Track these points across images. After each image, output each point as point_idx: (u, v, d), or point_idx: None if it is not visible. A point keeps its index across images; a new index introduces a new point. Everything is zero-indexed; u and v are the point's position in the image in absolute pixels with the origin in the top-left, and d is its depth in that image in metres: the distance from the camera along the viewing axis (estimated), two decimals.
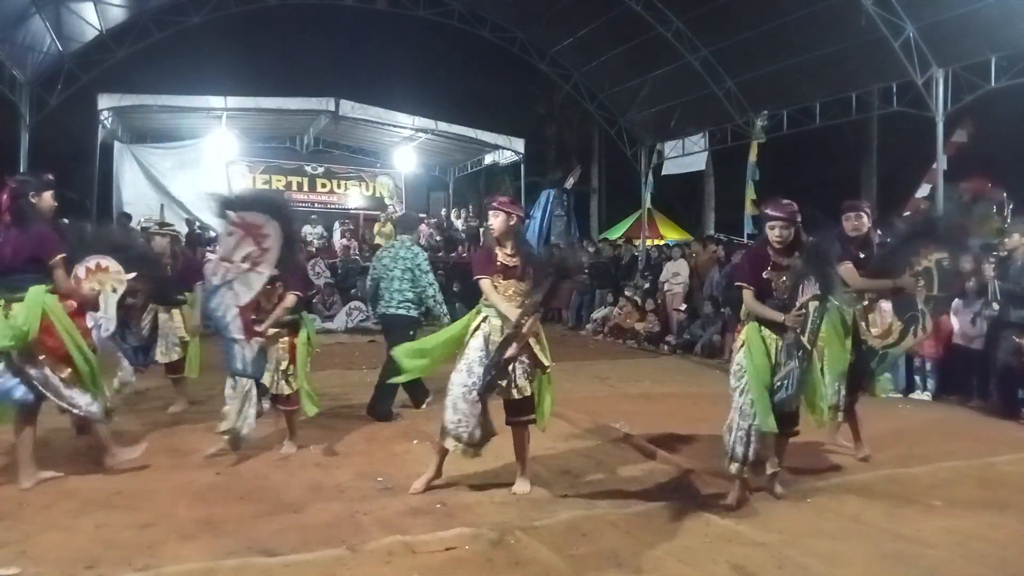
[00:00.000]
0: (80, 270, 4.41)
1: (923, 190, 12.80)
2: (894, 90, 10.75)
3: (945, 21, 9.60)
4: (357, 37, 25.17)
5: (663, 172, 15.59)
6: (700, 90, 13.33)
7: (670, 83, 13.88)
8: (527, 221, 17.96)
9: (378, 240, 16.12)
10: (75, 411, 4.28)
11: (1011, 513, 4.09)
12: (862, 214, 5.06)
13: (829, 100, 11.99)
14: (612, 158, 22.27)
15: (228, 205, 4.74)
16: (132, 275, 4.61)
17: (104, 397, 4.42)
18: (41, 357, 4.08)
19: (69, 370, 4.17)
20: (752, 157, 13.71)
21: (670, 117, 14.74)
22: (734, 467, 4.12)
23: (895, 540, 3.65)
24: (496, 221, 4.27)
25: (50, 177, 4.38)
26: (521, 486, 4.27)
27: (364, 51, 25.76)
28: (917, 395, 7.63)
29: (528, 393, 4.23)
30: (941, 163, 10.52)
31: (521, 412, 4.29)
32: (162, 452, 4.94)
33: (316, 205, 18.38)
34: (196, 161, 16.69)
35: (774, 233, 4.16)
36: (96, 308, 4.43)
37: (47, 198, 4.27)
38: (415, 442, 5.36)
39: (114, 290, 4.51)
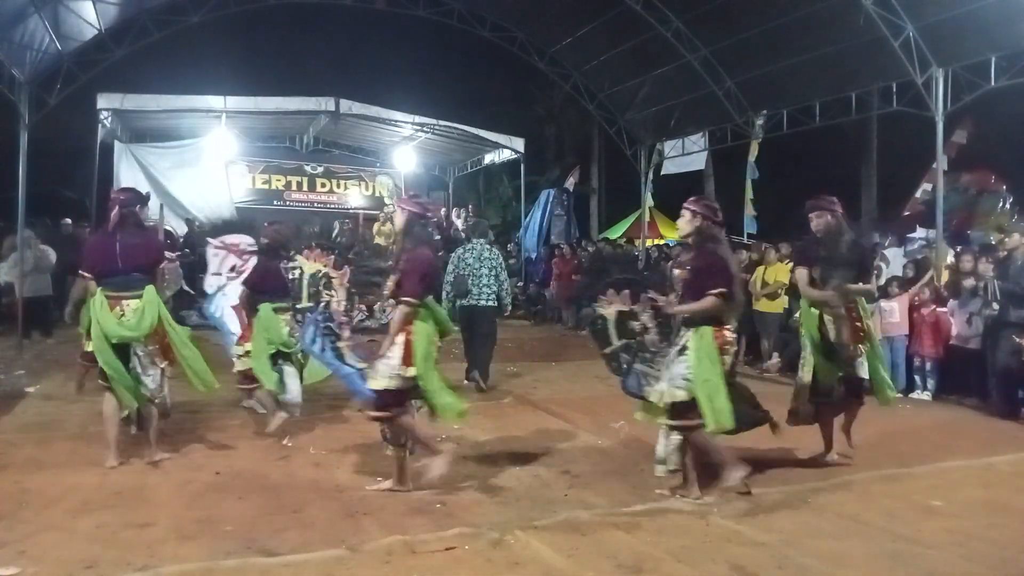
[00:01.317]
0: None
1: (923, 190, 12.81)
2: (894, 90, 10.73)
3: (945, 21, 9.58)
4: (357, 37, 25.13)
5: (663, 172, 15.56)
6: (700, 90, 13.31)
7: (670, 83, 13.85)
8: (527, 220, 17.98)
9: (378, 240, 16.11)
10: (155, 401, 4.74)
11: (1011, 513, 4.09)
12: (824, 212, 4.86)
13: (829, 100, 11.96)
14: (612, 158, 22.24)
15: (210, 235, 6.09)
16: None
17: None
18: (151, 347, 4.63)
19: (166, 362, 4.71)
20: (751, 157, 13.70)
21: (670, 117, 14.71)
22: (662, 469, 4.23)
23: (895, 540, 3.65)
24: (395, 218, 4.49)
25: (149, 193, 5.18)
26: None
27: (364, 51, 25.71)
28: (917, 395, 7.63)
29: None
30: (941, 163, 10.51)
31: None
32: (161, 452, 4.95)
33: (316, 205, 18.37)
34: (196, 161, 16.65)
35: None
36: None
37: (146, 211, 4.90)
38: None
39: None
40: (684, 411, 4.03)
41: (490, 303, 7.51)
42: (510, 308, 8.08)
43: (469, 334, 7.64)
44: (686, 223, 4.17)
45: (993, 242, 9.19)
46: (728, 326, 4.12)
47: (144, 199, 4.92)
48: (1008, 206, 12.17)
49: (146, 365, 4.64)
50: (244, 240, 6.04)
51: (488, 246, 7.79)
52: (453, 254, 8.02)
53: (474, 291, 7.47)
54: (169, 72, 18.21)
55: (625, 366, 4.47)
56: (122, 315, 4.55)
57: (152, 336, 4.62)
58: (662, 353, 4.26)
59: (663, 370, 4.16)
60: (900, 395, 7.57)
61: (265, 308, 5.46)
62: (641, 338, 4.41)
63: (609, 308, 4.56)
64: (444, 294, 7.89)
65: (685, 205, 4.21)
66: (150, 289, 4.62)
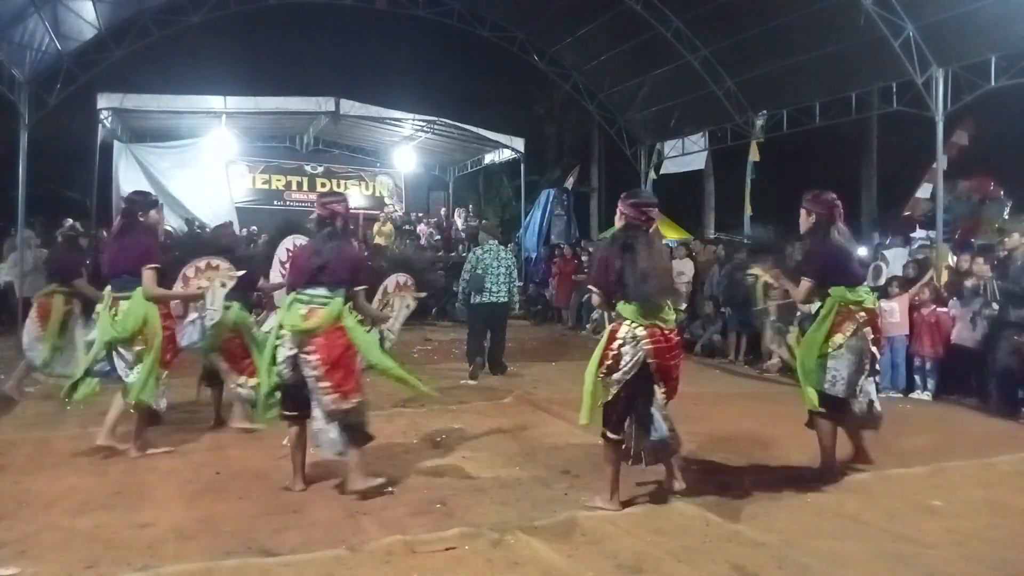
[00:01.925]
0: (189, 269, 5.17)
1: (923, 190, 12.83)
2: (894, 90, 10.74)
3: (945, 21, 9.59)
4: (357, 37, 25.15)
5: (663, 171, 15.58)
6: (700, 90, 13.32)
7: (670, 83, 13.87)
8: (527, 220, 17.99)
9: (378, 240, 16.11)
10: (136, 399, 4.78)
11: (1011, 513, 4.09)
12: (805, 210, 4.64)
13: (829, 100, 11.98)
14: (612, 158, 22.25)
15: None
16: (242, 272, 5.29)
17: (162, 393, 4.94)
18: (137, 348, 4.72)
19: (150, 360, 4.73)
20: (751, 157, 13.72)
21: (670, 117, 14.73)
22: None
23: (895, 540, 3.65)
24: None
25: (155, 197, 5.26)
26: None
27: (364, 51, 25.72)
28: (917, 395, 7.63)
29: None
30: (941, 163, 10.52)
31: None
32: (162, 452, 4.94)
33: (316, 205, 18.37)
34: (196, 160, 16.67)
35: None
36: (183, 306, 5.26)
37: (153, 215, 5.00)
38: (415, 442, 5.37)
39: (223, 285, 5.21)
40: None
41: (505, 300, 8.33)
42: (517, 306, 9.19)
43: (482, 327, 8.30)
44: (616, 221, 4.21)
45: (994, 243, 9.20)
46: (627, 321, 3.93)
47: (150, 203, 5.04)
48: (1008, 212, 12.18)
49: (131, 364, 4.72)
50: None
51: (503, 248, 8.63)
52: (471, 254, 8.56)
53: (493, 288, 8.14)
54: (169, 72, 18.27)
55: None
56: (115, 315, 4.73)
57: (138, 337, 4.71)
58: None
59: None
60: (900, 395, 7.61)
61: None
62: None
63: None
64: (460, 290, 8.54)
65: (618, 203, 4.21)
66: (138, 291, 4.72)
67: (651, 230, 4.08)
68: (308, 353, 4.05)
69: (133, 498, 4.06)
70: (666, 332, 3.96)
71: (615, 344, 3.95)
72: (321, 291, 4.15)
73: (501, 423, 6.05)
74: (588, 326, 12.42)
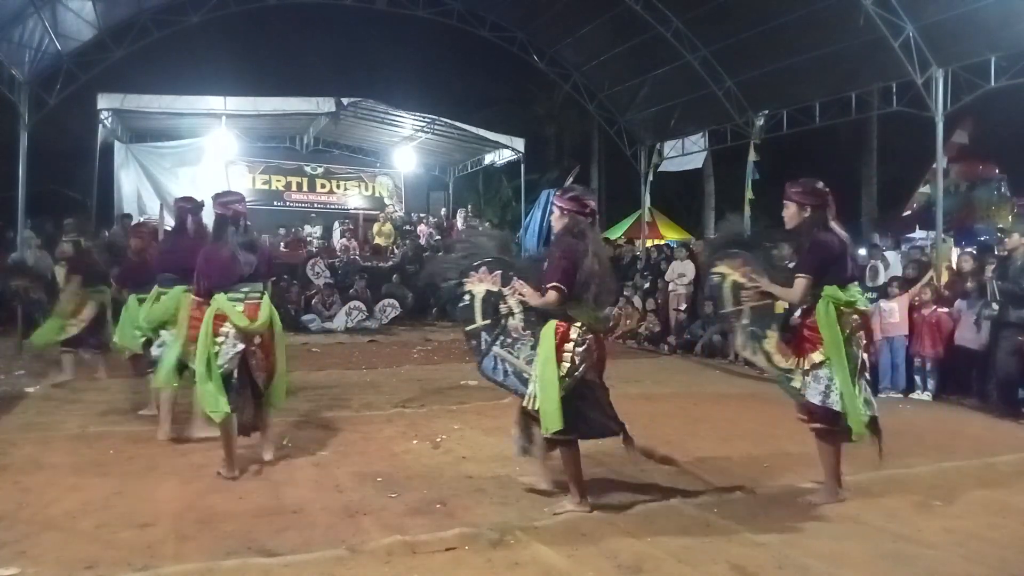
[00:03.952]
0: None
1: (921, 192, 12.89)
2: (894, 90, 10.74)
3: (945, 21, 9.60)
4: (357, 37, 25.16)
5: (661, 169, 15.59)
6: (700, 90, 13.32)
7: (670, 83, 13.86)
8: (528, 220, 17.96)
9: (378, 240, 16.12)
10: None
11: (1011, 513, 4.09)
12: (789, 202, 4.27)
13: (828, 100, 11.98)
14: (612, 158, 22.27)
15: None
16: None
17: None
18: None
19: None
20: (751, 157, 13.72)
21: (670, 117, 14.73)
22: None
23: (895, 540, 3.65)
24: None
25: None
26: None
27: (364, 51, 25.74)
28: (917, 395, 7.63)
29: None
30: (941, 163, 10.52)
31: None
32: (162, 452, 4.95)
33: (316, 205, 18.37)
34: (196, 160, 16.67)
35: None
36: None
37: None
38: (415, 442, 5.36)
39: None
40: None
41: None
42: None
43: None
44: (555, 219, 4.08)
45: (998, 236, 9.20)
46: (578, 323, 3.84)
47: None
48: (1005, 191, 12.16)
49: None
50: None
51: None
52: None
53: None
54: (169, 72, 18.25)
55: (484, 346, 4.30)
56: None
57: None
58: (523, 340, 4.17)
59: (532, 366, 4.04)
60: (900, 396, 7.61)
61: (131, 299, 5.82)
62: (504, 321, 4.26)
63: (479, 285, 4.35)
64: None
65: (553, 200, 4.13)
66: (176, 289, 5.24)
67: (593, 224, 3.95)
68: (255, 348, 4.46)
69: (133, 498, 4.06)
70: (600, 335, 4.04)
71: (569, 346, 3.83)
72: (249, 286, 4.47)
73: (501, 423, 6.04)
74: None
